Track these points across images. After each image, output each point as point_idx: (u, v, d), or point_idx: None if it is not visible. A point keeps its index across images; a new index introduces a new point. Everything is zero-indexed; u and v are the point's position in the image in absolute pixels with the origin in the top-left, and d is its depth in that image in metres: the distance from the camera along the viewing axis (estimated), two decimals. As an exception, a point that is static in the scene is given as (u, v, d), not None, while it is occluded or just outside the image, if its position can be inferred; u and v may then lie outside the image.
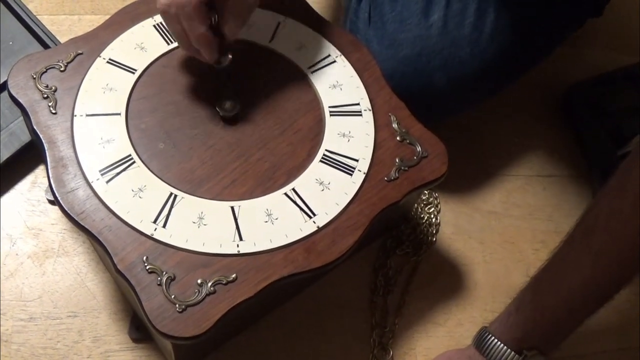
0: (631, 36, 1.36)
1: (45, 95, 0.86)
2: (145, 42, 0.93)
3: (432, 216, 1.10)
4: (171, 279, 0.76)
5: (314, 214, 0.83)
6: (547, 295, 0.88)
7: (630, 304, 1.11)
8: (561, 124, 1.25)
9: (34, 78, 0.88)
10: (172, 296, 0.75)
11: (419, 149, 0.90)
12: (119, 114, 0.87)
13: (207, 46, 0.85)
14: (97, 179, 0.81)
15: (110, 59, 0.91)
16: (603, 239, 0.81)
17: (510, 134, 1.23)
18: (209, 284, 0.76)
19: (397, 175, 0.88)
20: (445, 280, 1.07)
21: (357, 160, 0.88)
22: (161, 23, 0.94)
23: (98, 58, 0.91)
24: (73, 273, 0.96)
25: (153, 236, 0.79)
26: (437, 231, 1.10)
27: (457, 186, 1.15)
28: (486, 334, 0.93)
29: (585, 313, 0.88)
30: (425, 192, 1.11)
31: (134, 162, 0.83)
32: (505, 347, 0.91)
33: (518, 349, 0.90)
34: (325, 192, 0.85)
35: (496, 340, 0.92)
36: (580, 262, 0.84)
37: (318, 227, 0.83)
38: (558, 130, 1.24)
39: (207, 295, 0.76)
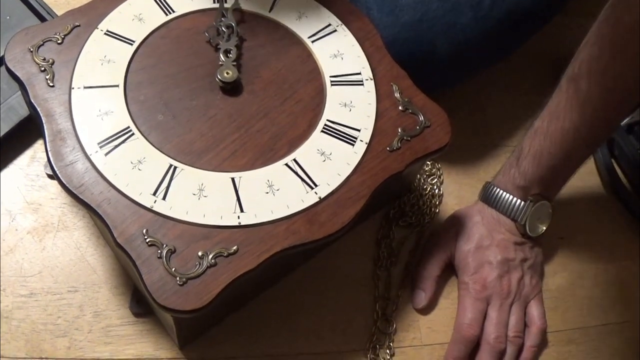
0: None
1: (43, 68, 0.85)
2: (143, 13, 0.92)
3: (435, 187, 1.10)
4: (171, 252, 0.76)
5: (316, 185, 0.82)
6: (544, 141, 0.97)
7: (635, 277, 1.11)
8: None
9: (31, 51, 0.86)
10: (173, 269, 0.75)
11: (421, 118, 0.89)
12: (117, 85, 0.86)
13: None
14: (96, 152, 0.80)
15: (108, 31, 0.90)
16: (587, 85, 0.91)
17: (513, 104, 1.22)
18: (210, 257, 0.76)
19: (399, 145, 0.87)
20: (449, 251, 1.06)
21: (358, 130, 0.87)
22: (159, -6, 0.94)
23: (95, 30, 0.90)
24: (73, 248, 0.96)
25: (153, 209, 0.78)
26: (440, 202, 1.09)
27: (460, 157, 1.14)
28: (491, 187, 1.03)
29: (579, 157, 1.00)
30: (428, 163, 1.11)
31: (132, 134, 0.83)
32: (510, 196, 1.00)
33: (523, 196, 0.99)
34: (327, 162, 0.84)
35: (501, 191, 1.01)
36: (569, 108, 0.94)
37: (320, 197, 0.82)
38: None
39: (208, 267, 0.75)
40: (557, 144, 0.96)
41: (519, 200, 1.00)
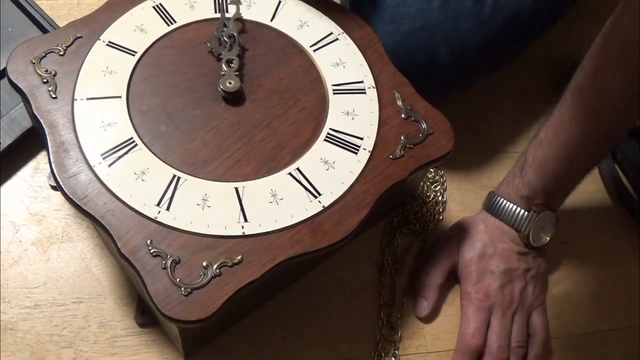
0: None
1: (45, 80, 0.85)
2: (145, 24, 0.92)
3: (439, 194, 1.09)
4: (176, 262, 0.76)
5: (320, 194, 0.82)
6: (548, 152, 0.96)
7: (639, 282, 1.11)
8: (567, 99, 1.24)
9: (33, 63, 0.87)
10: (178, 279, 0.75)
11: (424, 126, 0.89)
12: (120, 96, 0.86)
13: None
14: (99, 163, 0.80)
15: (109, 42, 0.90)
16: (592, 96, 0.91)
17: (516, 111, 1.22)
18: (215, 267, 0.76)
19: (402, 153, 0.87)
20: (453, 258, 1.06)
21: (361, 139, 0.87)
22: (161, 4, 0.94)
23: (97, 41, 0.90)
24: (77, 259, 0.96)
25: (157, 219, 0.78)
26: (443, 209, 1.09)
27: (463, 164, 1.14)
28: (495, 197, 1.02)
29: (584, 167, 0.99)
30: (431, 170, 1.10)
31: (135, 144, 0.83)
32: (514, 206, 0.99)
33: (527, 206, 0.99)
34: (330, 171, 0.84)
35: (505, 201, 1.00)
36: (574, 119, 0.93)
37: (324, 206, 0.82)
38: (564, 105, 1.23)
39: (212, 277, 0.75)
40: (562, 154, 0.95)
41: (522, 210, 0.99)
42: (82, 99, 0.85)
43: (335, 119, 0.89)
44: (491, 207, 1.02)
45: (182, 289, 0.74)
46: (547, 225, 1.01)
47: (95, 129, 0.83)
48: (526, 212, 0.99)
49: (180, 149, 0.83)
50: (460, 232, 1.03)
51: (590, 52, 0.91)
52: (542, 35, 1.14)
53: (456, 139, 0.90)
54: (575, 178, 1.00)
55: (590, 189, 1.17)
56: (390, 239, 1.05)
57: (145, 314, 0.92)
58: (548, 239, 1.02)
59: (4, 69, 0.87)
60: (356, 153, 0.86)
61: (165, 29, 0.92)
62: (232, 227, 0.79)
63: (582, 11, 1.25)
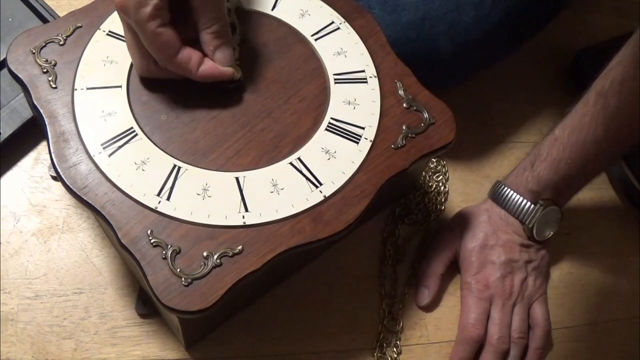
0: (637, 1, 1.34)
1: (45, 70, 0.85)
2: (145, 13, 0.92)
3: (441, 184, 1.09)
4: (176, 253, 0.75)
5: (321, 184, 0.82)
6: (562, 151, 0.97)
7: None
8: (570, 90, 1.23)
9: (33, 53, 0.86)
10: (178, 270, 0.74)
11: (426, 115, 0.89)
12: (120, 86, 0.85)
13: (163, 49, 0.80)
14: (99, 153, 0.80)
15: (110, 31, 0.90)
16: (617, 103, 0.90)
17: (518, 101, 1.22)
18: (215, 257, 0.75)
19: (404, 142, 0.86)
20: (454, 248, 1.06)
21: (363, 128, 0.87)
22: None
23: (98, 31, 0.89)
24: (78, 249, 0.95)
25: (157, 209, 0.78)
26: (445, 199, 1.09)
27: (466, 154, 1.14)
28: (502, 187, 1.02)
29: (596, 169, 1.01)
30: (433, 160, 1.10)
31: (136, 134, 0.82)
32: (521, 197, 1.00)
33: (534, 199, 0.99)
34: (332, 160, 0.84)
35: (512, 191, 1.01)
36: (594, 122, 0.93)
37: (325, 196, 0.81)
38: (567, 96, 1.23)
39: (213, 268, 0.75)
40: (577, 155, 0.96)
41: (529, 203, 0.99)
42: (82, 89, 0.84)
43: (336, 109, 0.88)
44: (497, 196, 1.02)
45: (183, 279, 0.74)
46: (552, 220, 1.01)
47: (95, 118, 0.83)
48: (532, 205, 0.99)
49: (180, 138, 0.83)
50: (462, 221, 1.03)
51: (619, 60, 0.90)
52: (545, 27, 1.14)
53: (458, 129, 0.89)
54: (587, 178, 1.01)
55: (593, 180, 1.16)
56: (392, 229, 1.04)
57: (146, 305, 0.92)
58: (552, 233, 1.02)
59: (4, 60, 0.87)
60: (357, 143, 0.86)
61: (165, 18, 0.92)
62: (233, 217, 0.79)
63: (587, 1, 1.25)
